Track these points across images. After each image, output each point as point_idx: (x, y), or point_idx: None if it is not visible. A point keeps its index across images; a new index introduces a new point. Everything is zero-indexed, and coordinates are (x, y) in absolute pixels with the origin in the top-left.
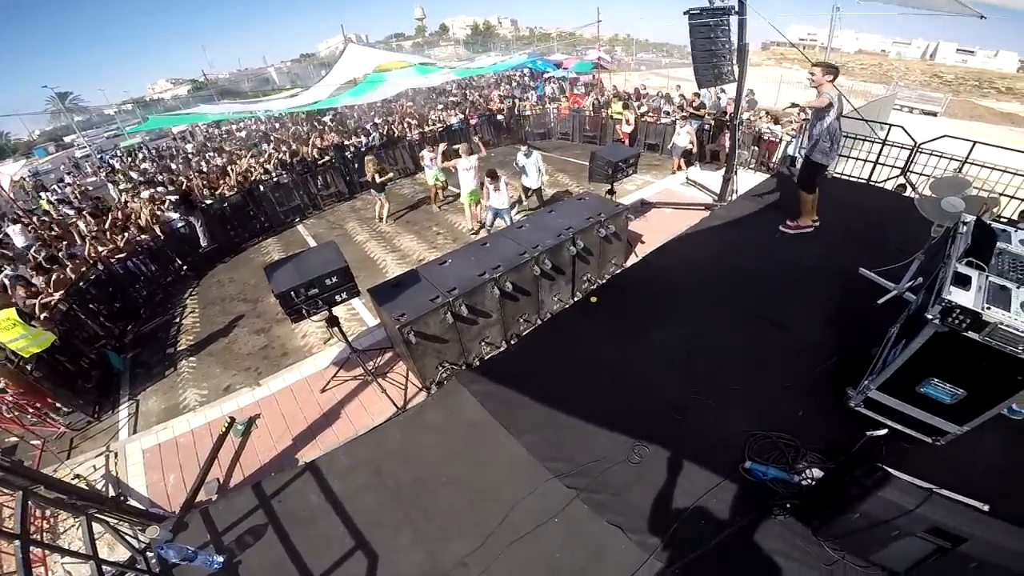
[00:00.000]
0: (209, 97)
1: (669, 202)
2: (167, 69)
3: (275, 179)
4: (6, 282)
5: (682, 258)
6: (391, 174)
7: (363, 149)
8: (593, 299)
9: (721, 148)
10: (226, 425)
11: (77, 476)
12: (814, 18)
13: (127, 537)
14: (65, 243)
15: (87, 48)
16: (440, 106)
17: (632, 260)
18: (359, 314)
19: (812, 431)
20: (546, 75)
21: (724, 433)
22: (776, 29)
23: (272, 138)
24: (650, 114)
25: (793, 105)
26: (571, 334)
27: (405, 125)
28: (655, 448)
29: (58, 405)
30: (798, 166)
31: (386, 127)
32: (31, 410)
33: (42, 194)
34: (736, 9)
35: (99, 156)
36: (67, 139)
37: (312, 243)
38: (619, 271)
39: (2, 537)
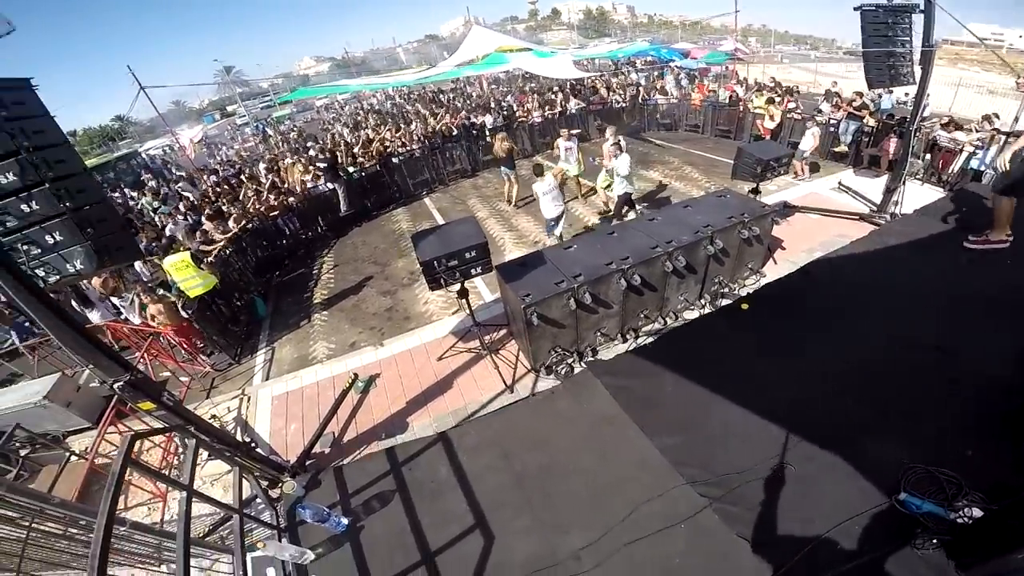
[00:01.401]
0: (348, 74)
1: (816, 207)
2: (311, 48)
3: (410, 153)
4: (182, 231)
5: (846, 272)
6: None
7: (488, 128)
8: (744, 306)
9: (884, 154)
10: (350, 381)
11: (213, 416)
12: (1001, 16)
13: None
14: (229, 198)
15: (246, 28)
16: (556, 87)
17: (770, 266)
18: (476, 288)
19: (978, 471)
20: (672, 64)
21: (878, 461)
22: (968, 29)
23: (404, 112)
24: (797, 111)
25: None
26: (718, 339)
27: (531, 106)
28: (801, 468)
29: (203, 345)
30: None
31: (507, 108)
32: (186, 347)
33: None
34: (920, 7)
35: (256, 124)
36: (230, 108)
37: (438, 216)
38: (773, 279)
39: (173, 486)
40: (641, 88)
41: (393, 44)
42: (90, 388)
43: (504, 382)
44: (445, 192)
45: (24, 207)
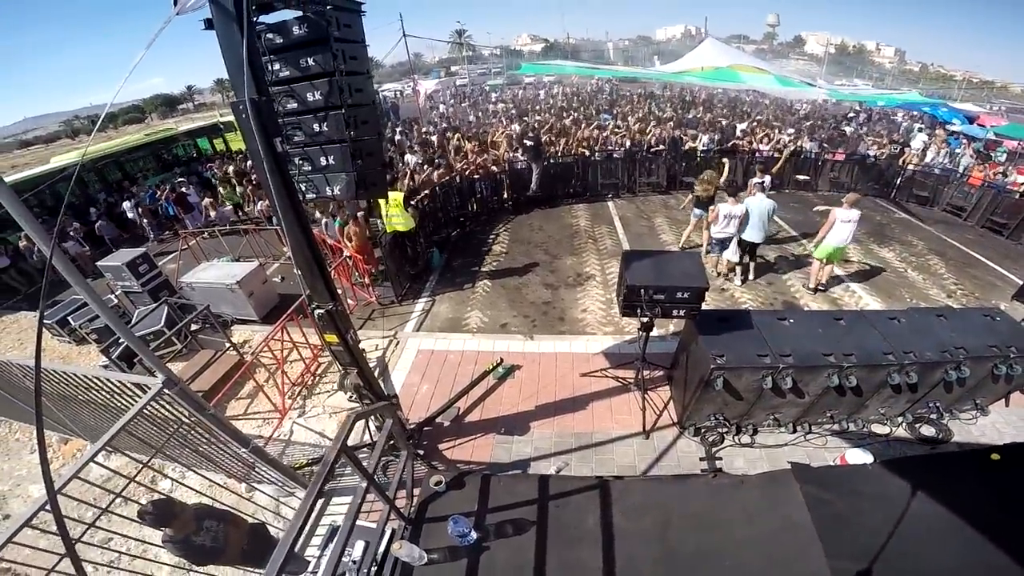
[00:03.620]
0: (562, 57)
1: None
2: (530, 25)
3: (609, 153)
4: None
5: None
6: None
7: (701, 150)
8: (995, 456)
9: None
10: (493, 364)
11: (362, 351)
12: None
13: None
14: (439, 152)
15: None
16: (792, 128)
17: (998, 407)
18: None
19: None
20: (949, 126)
21: None
22: None
23: (613, 115)
24: None
25: None
26: (952, 480)
27: (760, 136)
28: None
29: (376, 276)
30: None
31: (723, 134)
32: (362, 270)
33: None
34: None
35: (471, 89)
36: (453, 68)
37: (618, 224)
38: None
39: (363, 475)
40: (910, 150)
41: (605, 38)
42: (272, 284)
43: (644, 426)
44: (631, 201)
45: (316, 126)
